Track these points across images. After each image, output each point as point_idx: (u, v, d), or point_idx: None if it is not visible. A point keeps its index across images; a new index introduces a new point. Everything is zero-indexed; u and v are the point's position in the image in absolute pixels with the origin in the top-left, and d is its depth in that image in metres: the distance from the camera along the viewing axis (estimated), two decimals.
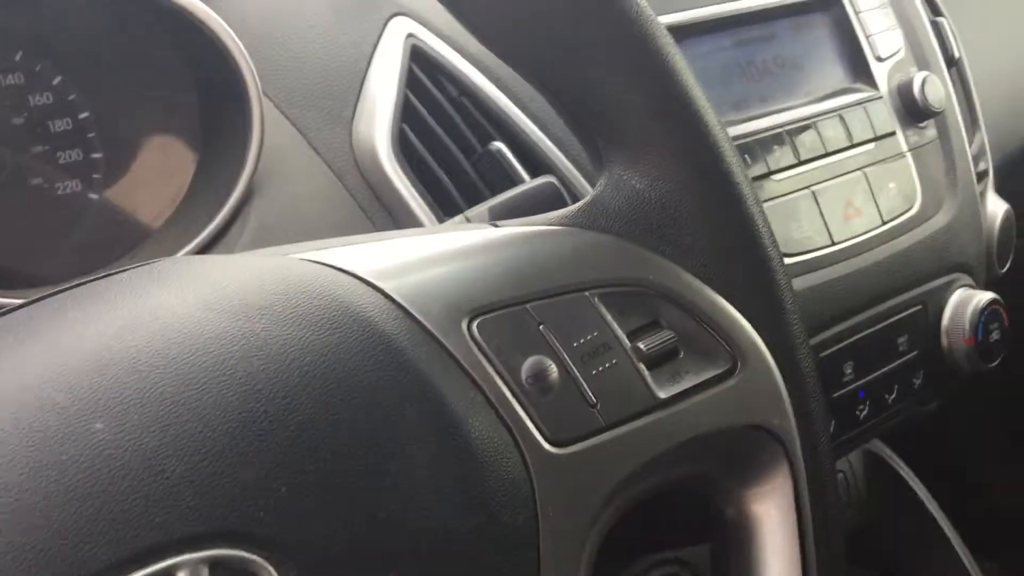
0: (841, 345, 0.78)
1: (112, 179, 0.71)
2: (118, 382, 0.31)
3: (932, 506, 0.99)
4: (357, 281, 0.38)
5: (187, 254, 0.64)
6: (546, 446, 0.38)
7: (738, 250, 0.45)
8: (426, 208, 0.65)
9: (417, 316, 0.38)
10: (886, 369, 0.81)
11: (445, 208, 0.66)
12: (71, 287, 0.37)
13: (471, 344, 0.38)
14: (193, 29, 0.61)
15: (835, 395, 0.78)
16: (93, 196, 0.72)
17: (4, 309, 0.38)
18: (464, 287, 0.39)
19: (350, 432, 0.34)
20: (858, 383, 0.80)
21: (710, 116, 0.44)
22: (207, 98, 0.65)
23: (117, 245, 0.69)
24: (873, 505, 0.98)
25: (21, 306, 0.36)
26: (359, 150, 0.66)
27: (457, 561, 0.35)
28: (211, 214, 0.65)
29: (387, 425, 0.35)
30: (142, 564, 0.29)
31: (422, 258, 0.40)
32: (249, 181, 0.63)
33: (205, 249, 0.64)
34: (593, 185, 0.47)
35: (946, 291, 0.84)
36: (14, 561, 0.28)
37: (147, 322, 0.34)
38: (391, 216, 0.66)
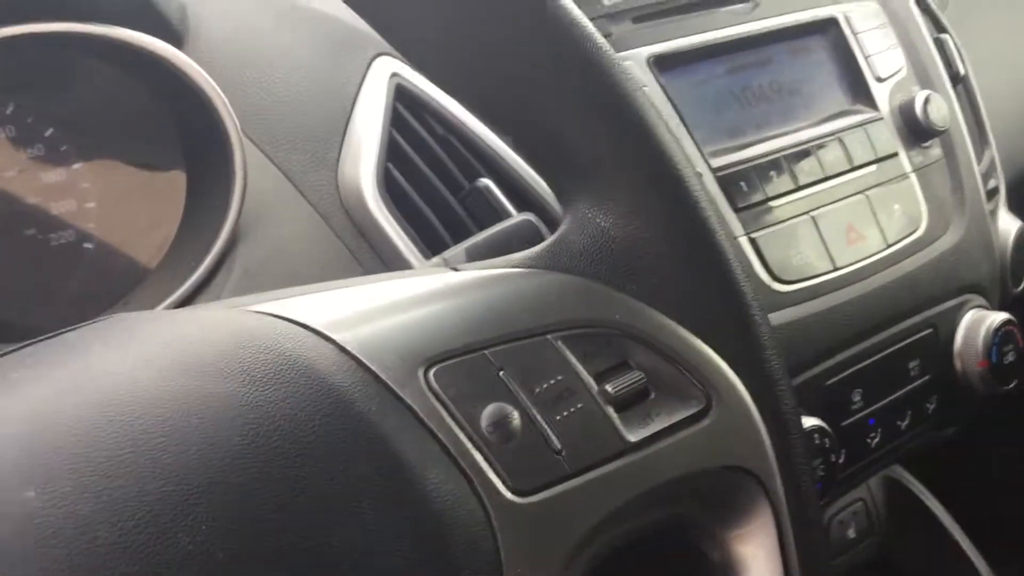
0: (848, 372, 0.76)
1: (104, 228, 0.71)
2: (52, 447, 0.31)
3: (957, 533, 0.97)
4: (308, 332, 0.37)
5: (174, 302, 0.64)
6: (508, 495, 0.37)
7: (709, 286, 0.44)
8: (412, 247, 0.64)
9: (371, 367, 0.37)
10: (897, 395, 0.79)
11: (433, 247, 0.65)
12: (19, 347, 0.37)
13: (428, 393, 0.37)
14: (171, 76, 0.62)
15: (844, 423, 0.76)
16: (88, 246, 0.72)
17: None
18: (419, 335, 0.39)
19: (296, 491, 0.33)
20: (868, 410, 0.78)
21: (674, 151, 0.43)
22: (190, 145, 0.65)
23: (109, 293, 0.69)
24: (895, 532, 0.96)
25: None
26: (345, 191, 0.66)
27: None
28: (198, 260, 0.64)
29: (336, 482, 0.34)
30: None
31: (376, 307, 0.40)
32: (234, 226, 0.63)
33: (192, 296, 0.64)
34: None
35: (957, 313, 0.82)
36: None
37: (86, 383, 0.33)
38: (378, 256, 0.65)
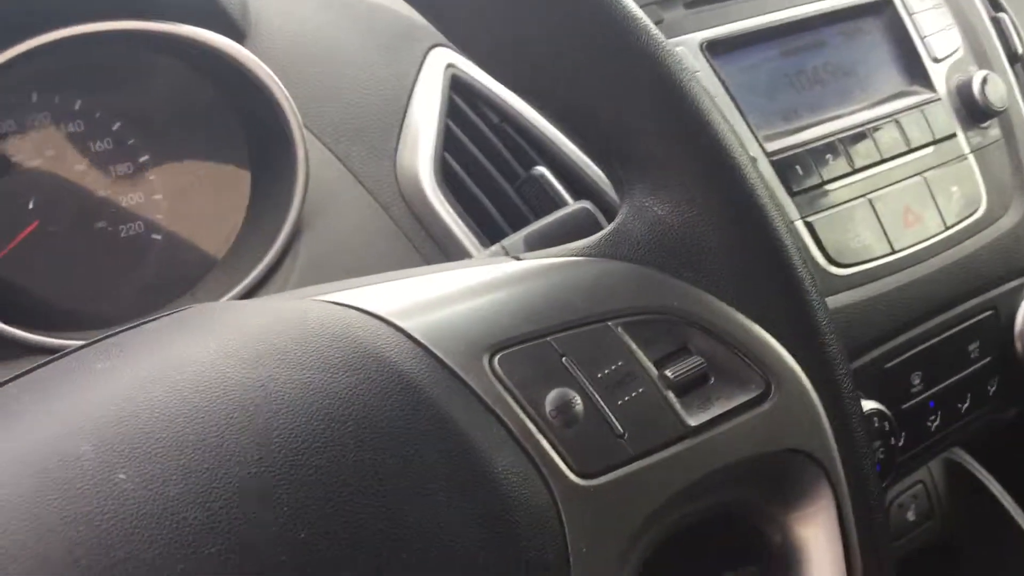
0: (908, 355, 0.76)
1: (172, 220, 0.73)
2: (141, 432, 0.32)
3: (1019, 516, 0.96)
4: (377, 321, 0.38)
5: (240, 292, 0.65)
6: (573, 478, 0.38)
7: (766, 272, 0.44)
8: (471, 236, 0.65)
9: (437, 354, 0.38)
10: (957, 377, 0.79)
11: (490, 235, 0.66)
12: (99, 340, 0.38)
13: (493, 379, 0.38)
14: (234, 72, 0.63)
15: (904, 406, 0.76)
16: (156, 237, 0.74)
17: (61, 352, 0.40)
18: (484, 323, 0.40)
19: (370, 475, 0.34)
20: (928, 393, 0.78)
21: (728, 137, 0.43)
22: (254, 138, 0.67)
23: (177, 284, 0.71)
24: (955, 515, 0.95)
25: (49, 361, 0.37)
26: (403, 181, 0.67)
27: None
28: (263, 251, 0.66)
29: (408, 466, 0.35)
30: None
31: (441, 295, 0.41)
32: (297, 217, 0.65)
33: (258, 286, 0.66)
34: None
35: (1018, 294, 0.82)
36: None
37: (170, 372, 0.35)
38: (437, 245, 0.66)
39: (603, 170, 0.47)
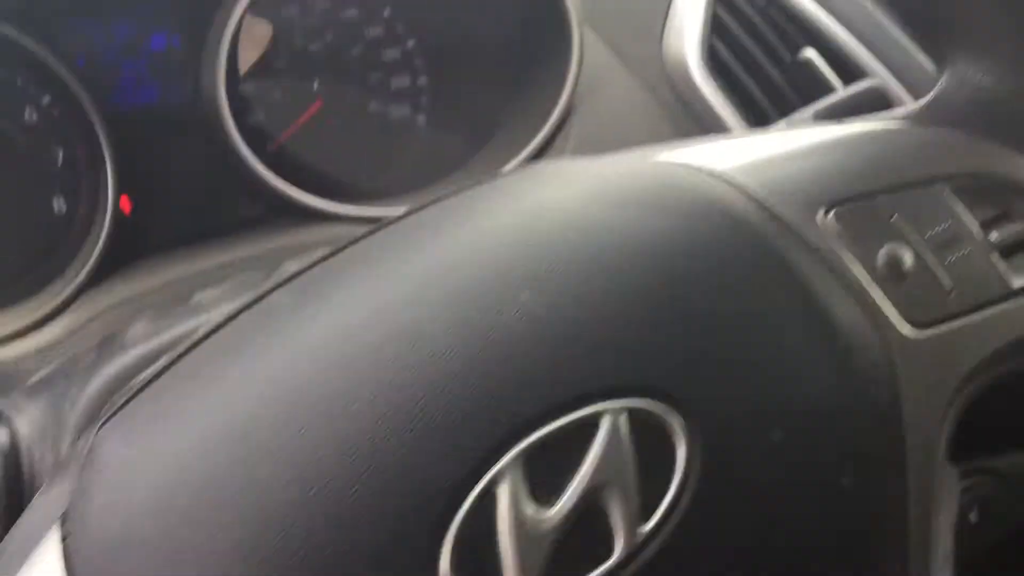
0: None
1: (437, 103, 0.77)
2: (537, 260, 0.36)
3: None
4: (716, 178, 0.41)
5: (514, 167, 0.69)
6: (905, 329, 0.40)
7: None
8: (737, 118, 0.67)
9: (776, 209, 0.40)
10: None
11: (755, 118, 0.67)
12: (464, 189, 0.42)
13: (828, 234, 0.40)
14: None
15: None
16: (420, 118, 0.79)
17: (387, 219, 0.43)
18: (818, 180, 0.41)
19: (733, 312, 0.37)
20: None
21: None
22: (529, 21, 0.70)
23: (443, 163, 0.75)
24: None
25: (428, 204, 0.41)
26: (670, 64, 0.69)
27: (831, 435, 0.38)
28: (534, 130, 0.69)
29: (761, 307, 0.38)
30: (571, 410, 0.33)
31: (775, 155, 0.43)
32: (570, 97, 0.67)
33: (533, 160, 0.69)
34: (912, 87, 0.48)
35: None
36: (447, 414, 0.33)
37: (551, 211, 0.38)
38: (701, 127, 0.68)
39: (918, 41, 0.48)
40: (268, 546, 0.30)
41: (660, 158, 0.43)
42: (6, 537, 0.34)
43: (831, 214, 0.41)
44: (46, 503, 0.35)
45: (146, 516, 0.31)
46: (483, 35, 0.73)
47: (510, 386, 0.33)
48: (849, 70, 0.68)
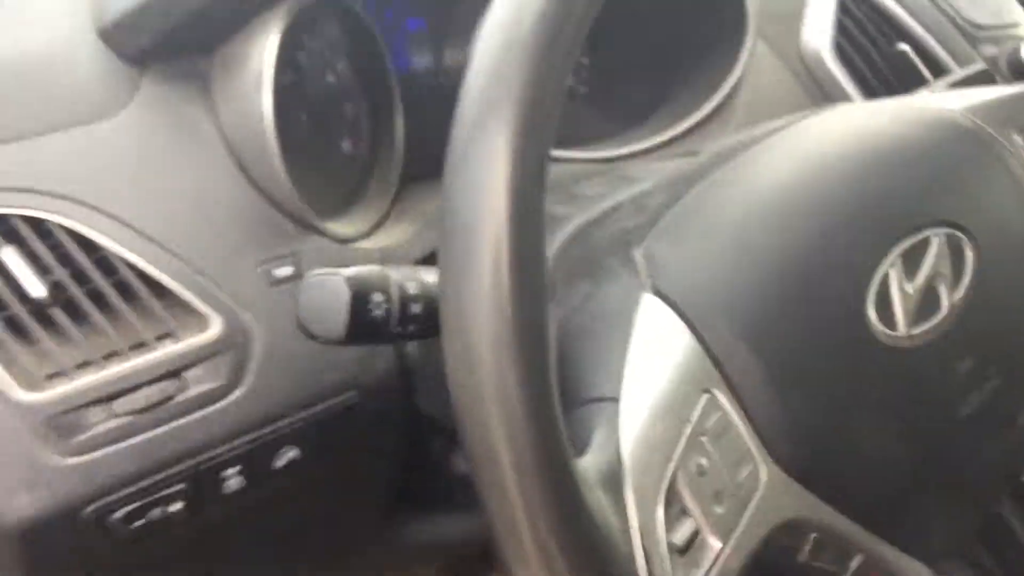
0: None
1: (602, 77, 0.95)
2: (878, 151, 0.56)
3: None
4: (947, 113, 0.60)
5: (688, 126, 0.88)
6: None
7: None
8: (861, 99, 0.89)
9: (986, 127, 0.60)
10: None
11: (873, 98, 0.90)
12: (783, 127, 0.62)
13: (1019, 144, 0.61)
14: None
15: None
16: (583, 90, 0.96)
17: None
18: (1010, 111, 0.63)
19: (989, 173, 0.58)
20: None
21: None
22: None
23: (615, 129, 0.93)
24: None
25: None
26: (808, 55, 0.90)
27: None
28: (701, 100, 0.89)
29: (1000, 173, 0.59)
30: (920, 230, 0.53)
31: (966, 94, 0.64)
32: (738, 78, 0.88)
33: (703, 124, 0.89)
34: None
35: None
36: (860, 220, 0.53)
37: (856, 129, 0.58)
38: (832, 103, 0.90)
39: None
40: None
41: (917, 104, 0.64)
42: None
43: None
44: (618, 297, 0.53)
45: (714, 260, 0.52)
46: (653, 17, 0.91)
47: (894, 216, 0.55)
48: (930, 59, 0.93)
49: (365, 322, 0.52)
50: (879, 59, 0.91)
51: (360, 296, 0.52)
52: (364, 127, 0.81)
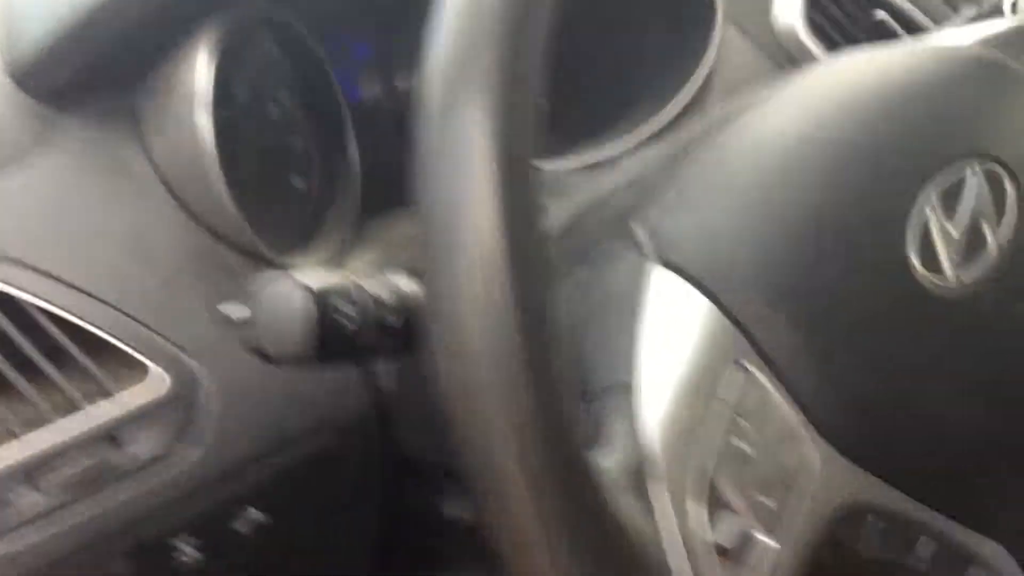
0: None
1: (567, 83, 0.89)
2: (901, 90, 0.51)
3: None
4: (953, 50, 0.56)
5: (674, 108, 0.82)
6: None
7: None
8: None
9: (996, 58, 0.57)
10: None
11: None
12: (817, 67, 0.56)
13: None
14: None
15: None
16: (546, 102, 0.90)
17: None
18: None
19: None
20: None
21: None
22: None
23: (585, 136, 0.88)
24: None
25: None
26: (781, 32, 0.85)
27: None
28: (675, 94, 0.83)
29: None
30: (946, 167, 0.48)
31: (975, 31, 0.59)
32: (711, 67, 0.82)
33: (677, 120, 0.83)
34: None
35: None
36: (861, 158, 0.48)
37: (871, 71, 0.53)
38: None
39: None
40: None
41: (931, 43, 0.59)
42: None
43: None
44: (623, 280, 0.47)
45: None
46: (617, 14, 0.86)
47: (902, 152, 0.49)
48: (908, 24, 0.87)
49: (334, 337, 0.45)
50: (856, 30, 0.86)
51: (327, 306, 0.45)
52: (315, 161, 0.75)
